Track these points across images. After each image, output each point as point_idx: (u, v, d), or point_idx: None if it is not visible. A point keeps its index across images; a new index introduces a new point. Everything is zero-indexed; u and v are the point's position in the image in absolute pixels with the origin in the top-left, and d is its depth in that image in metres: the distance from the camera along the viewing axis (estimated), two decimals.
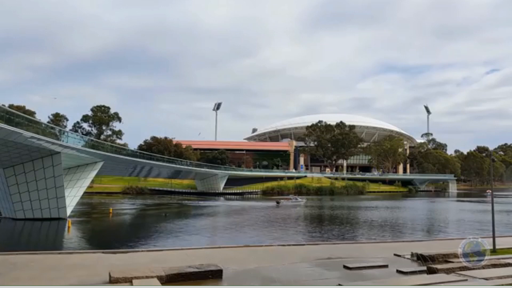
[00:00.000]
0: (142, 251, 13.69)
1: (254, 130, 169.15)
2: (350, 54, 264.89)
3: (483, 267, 9.51)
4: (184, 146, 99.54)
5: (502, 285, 5.71)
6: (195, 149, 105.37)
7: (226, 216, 39.63)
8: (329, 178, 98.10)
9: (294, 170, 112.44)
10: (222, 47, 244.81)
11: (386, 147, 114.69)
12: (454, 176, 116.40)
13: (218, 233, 28.07)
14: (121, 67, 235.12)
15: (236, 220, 34.75)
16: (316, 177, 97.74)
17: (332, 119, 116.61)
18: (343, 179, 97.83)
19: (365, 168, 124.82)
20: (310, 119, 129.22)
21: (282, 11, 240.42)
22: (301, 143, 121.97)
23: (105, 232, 29.48)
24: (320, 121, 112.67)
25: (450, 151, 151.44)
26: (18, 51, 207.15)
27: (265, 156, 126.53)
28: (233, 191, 78.57)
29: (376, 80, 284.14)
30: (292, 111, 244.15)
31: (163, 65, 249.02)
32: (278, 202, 51.57)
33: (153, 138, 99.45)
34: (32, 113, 76.21)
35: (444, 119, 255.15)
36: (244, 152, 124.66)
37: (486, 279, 8.53)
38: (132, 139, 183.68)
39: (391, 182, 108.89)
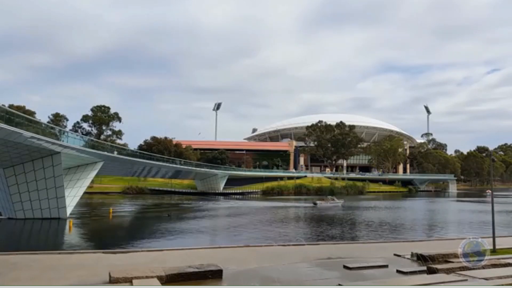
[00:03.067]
0: (142, 251, 13.68)
1: (254, 130, 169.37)
2: (350, 54, 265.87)
3: (483, 267, 9.50)
4: (184, 146, 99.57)
5: (502, 285, 5.71)
6: (195, 149, 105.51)
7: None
8: (329, 178, 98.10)
9: (294, 170, 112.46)
10: (222, 47, 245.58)
11: (386, 147, 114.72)
12: (454, 176, 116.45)
13: None
14: (121, 67, 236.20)
15: None
16: (316, 177, 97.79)
17: (332, 119, 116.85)
18: (343, 179, 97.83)
19: (365, 168, 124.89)
20: (310, 119, 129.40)
21: (283, 11, 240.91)
22: (301, 143, 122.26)
23: (105, 232, 29.47)
24: (320, 121, 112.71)
25: (450, 151, 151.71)
26: (18, 51, 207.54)
27: (265, 156, 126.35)
28: (233, 191, 78.59)
29: (376, 80, 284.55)
30: (292, 111, 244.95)
31: (163, 64, 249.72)
32: (315, 203, 50.24)
33: (153, 138, 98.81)
34: (32, 113, 76.18)
35: (444, 119, 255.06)
36: (244, 152, 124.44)
37: (486, 279, 8.52)
38: (132, 139, 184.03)
39: (391, 182, 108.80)
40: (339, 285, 5.75)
